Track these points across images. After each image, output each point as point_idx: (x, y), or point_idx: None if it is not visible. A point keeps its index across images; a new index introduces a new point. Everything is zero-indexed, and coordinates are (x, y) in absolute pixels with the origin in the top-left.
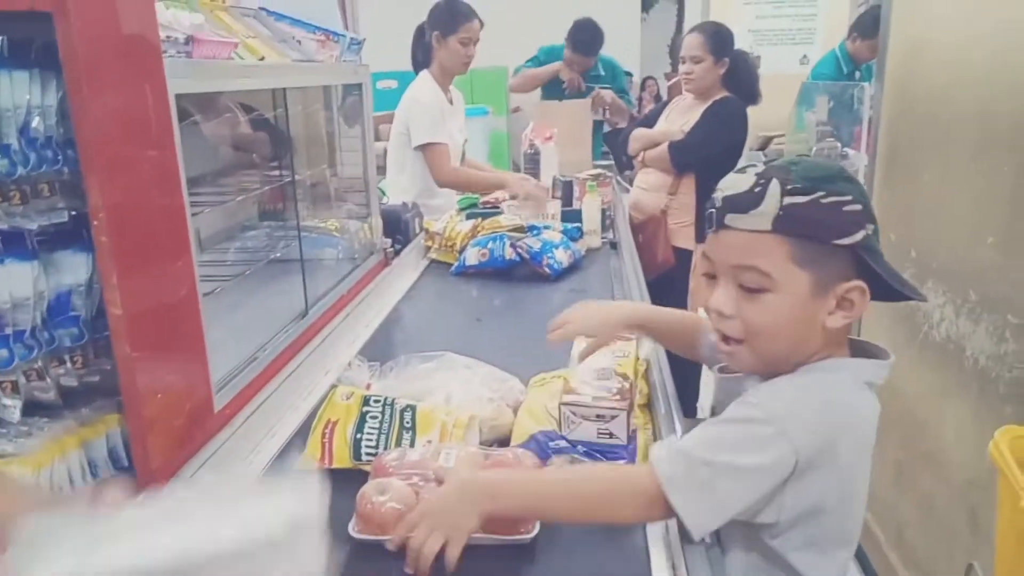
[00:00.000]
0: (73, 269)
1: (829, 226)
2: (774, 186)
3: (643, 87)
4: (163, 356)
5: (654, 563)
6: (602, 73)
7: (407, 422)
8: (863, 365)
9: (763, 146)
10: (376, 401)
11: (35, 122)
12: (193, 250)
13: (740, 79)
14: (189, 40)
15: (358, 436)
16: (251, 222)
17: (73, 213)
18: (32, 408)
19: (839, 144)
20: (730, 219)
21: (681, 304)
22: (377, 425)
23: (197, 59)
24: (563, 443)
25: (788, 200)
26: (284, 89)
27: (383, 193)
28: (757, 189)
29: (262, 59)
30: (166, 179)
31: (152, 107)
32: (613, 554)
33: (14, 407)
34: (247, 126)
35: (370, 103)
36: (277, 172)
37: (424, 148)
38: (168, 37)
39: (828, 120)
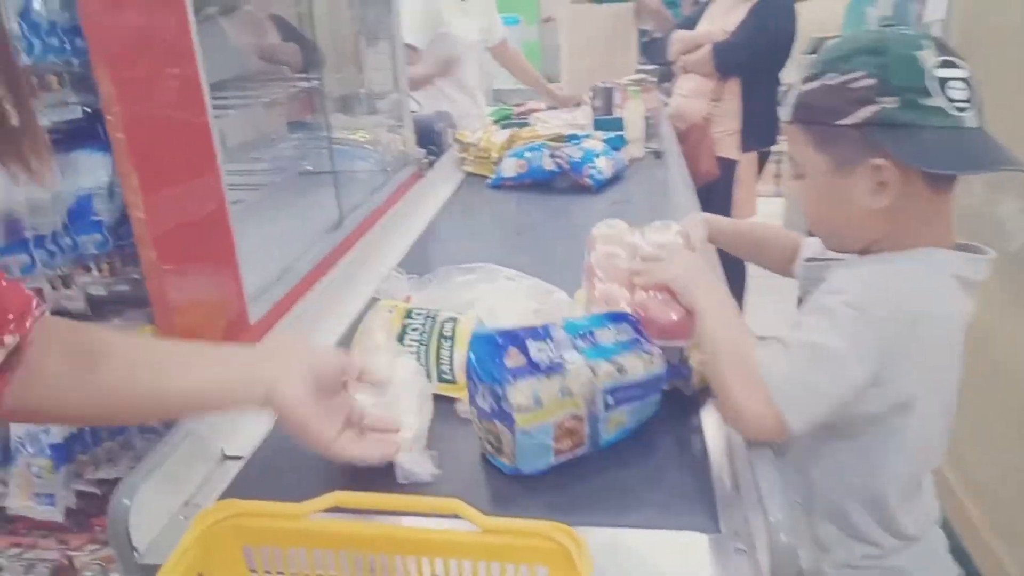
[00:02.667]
0: (92, 170)
1: (832, 108)
2: (802, 76)
3: None
4: (192, 264)
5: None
6: None
7: (447, 331)
8: (951, 257)
9: (815, 49)
10: (418, 313)
11: (36, 4)
12: (219, 154)
13: None
14: None
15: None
16: (280, 133)
17: (87, 110)
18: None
19: None
20: (778, 111)
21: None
22: (417, 337)
23: None
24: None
25: (803, 87)
26: None
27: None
28: (797, 81)
29: None
30: (185, 72)
31: None
32: (673, 463)
33: None
34: (276, 35)
35: (398, 7)
36: (305, 81)
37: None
38: None
39: (894, 15)
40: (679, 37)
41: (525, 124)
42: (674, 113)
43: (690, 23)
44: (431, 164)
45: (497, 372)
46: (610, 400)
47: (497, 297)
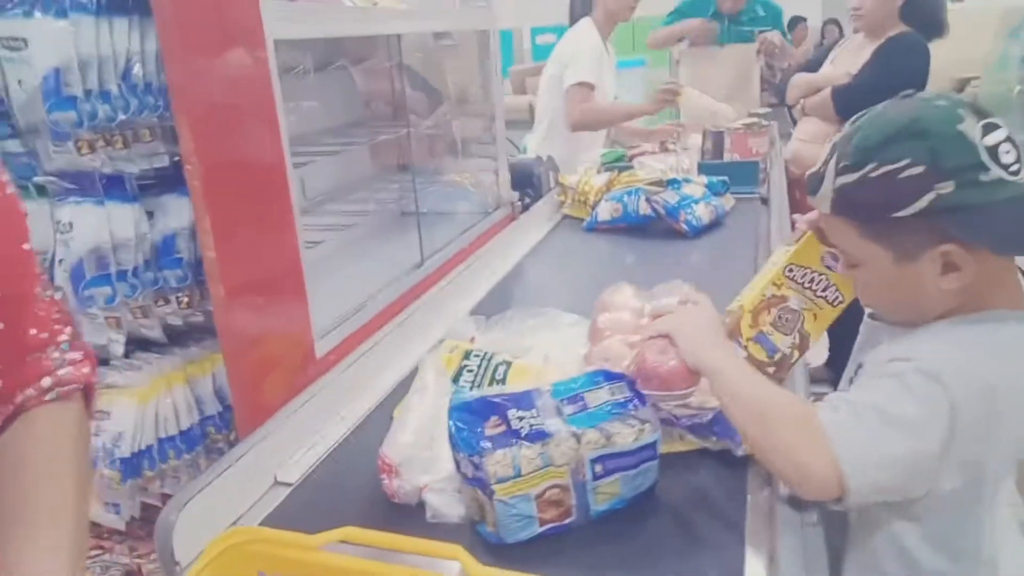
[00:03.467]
0: (178, 213)
1: (884, 201)
2: (831, 165)
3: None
4: (259, 301)
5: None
6: (761, 13)
7: (499, 375)
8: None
9: (958, 90)
10: (476, 355)
11: (135, 68)
12: (295, 198)
13: (920, 8)
14: None
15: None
16: (374, 173)
17: (176, 159)
18: (143, 345)
19: None
20: (810, 200)
21: None
22: (472, 378)
23: (301, 3)
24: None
25: (840, 180)
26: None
27: (523, 148)
28: (822, 167)
29: (375, 3)
30: (263, 125)
31: (247, 52)
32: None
33: (118, 341)
34: (404, 84)
35: (497, 51)
36: (395, 125)
37: (572, 88)
38: None
39: None
40: (799, 81)
41: (628, 168)
42: (790, 157)
43: (813, 66)
44: (526, 207)
45: (475, 441)
46: (598, 469)
47: (555, 343)
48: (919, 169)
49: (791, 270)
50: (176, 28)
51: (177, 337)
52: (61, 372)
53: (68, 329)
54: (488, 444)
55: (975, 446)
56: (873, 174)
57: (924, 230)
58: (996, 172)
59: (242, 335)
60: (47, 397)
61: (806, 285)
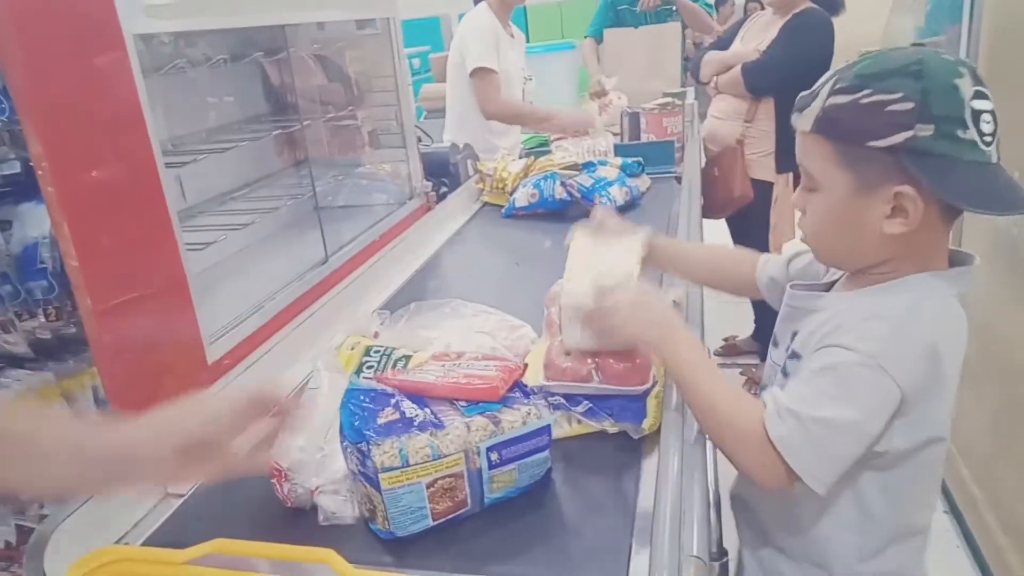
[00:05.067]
0: (37, 221)
1: (865, 127)
2: (828, 86)
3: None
4: (135, 308)
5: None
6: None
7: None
8: (950, 279)
9: None
10: (376, 351)
11: None
12: (172, 198)
13: None
14: None
15: None
16: (279, 168)
17: (31, 163)
18: (16, 362)
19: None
20: (792, 119)
21: (762, 242)
22: (371, 374)
23: None
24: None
25: (831, 100)
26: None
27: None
28: (818, 87)
29: None
30: (126, 125)
31: (100, 49)
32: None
33: None
34: (322, 76)
35: (399, 39)
36: (291, 119)
37: (474, 75)
38: None
39: (926, 25)
40: (711, 59)
41: (545, 153)
42: (707, 135)
43: (724, 43)
44: (442, 196)
45: (363, 429)
46: (494, 457)
47: (456, 334)
48: (908, 105)
49: None
50: (13, 27)
51: (51, 351)
52: None
53: None
54: (374, 433)
55: (926, 406)
56: (864, 100)
57: (890, 166)
58: (972, 134)
59: (117, 346)
60: None
61: None
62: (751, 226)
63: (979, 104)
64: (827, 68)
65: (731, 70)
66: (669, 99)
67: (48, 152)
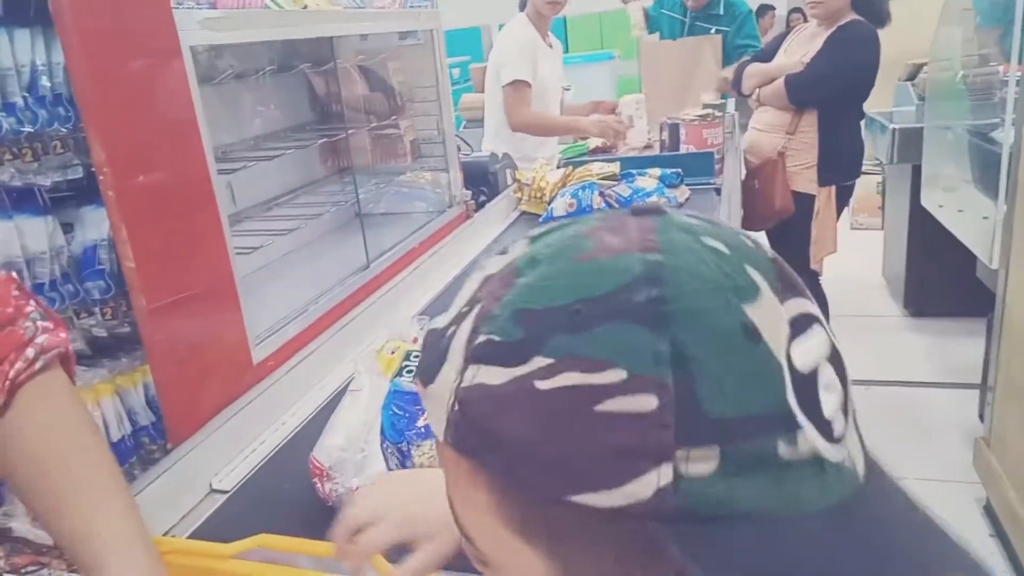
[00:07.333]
0: (97, 224)
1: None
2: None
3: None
4: (186, 309)
5: None
6: (720, 13)
7: None
8: None
9: (911, 76)
10: (416, 356)
11: (42, 80)
12: (223, 204)
13: None
14: None
15: None
16: (323, 176)
17: (93, 169)
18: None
19: (998, 66)
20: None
21: (801, 255)
22: (412, 379)
23: (221, 9)
24: None
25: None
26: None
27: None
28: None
29: (305, 6)
30: (183, 133)
31: (160, 60)
32: None
33: None
34: (364, 86)
35: (442, 49)
36: (335, 128)
37: (507, 87)
38: None
39: (975, 32)
40: (753, 71)
41: (583, 163)
42: (748, 147)
43: (767, 55)
44: (481, 205)
45: (403, 429)
46: None
47: None
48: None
49: None
50: (79, 39)
51: (105, 349)
52: (40, 340)
53: (32, 302)
54: (416, 434)
55: None
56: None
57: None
58: (810, 438)
59: (168, 345)
60: (37, 366)
61: None
62: (791, 239)
63: (802, 352)
64: (871, 80)
65: (774, 82)
66: (709, 110)
67: (109, 158)
